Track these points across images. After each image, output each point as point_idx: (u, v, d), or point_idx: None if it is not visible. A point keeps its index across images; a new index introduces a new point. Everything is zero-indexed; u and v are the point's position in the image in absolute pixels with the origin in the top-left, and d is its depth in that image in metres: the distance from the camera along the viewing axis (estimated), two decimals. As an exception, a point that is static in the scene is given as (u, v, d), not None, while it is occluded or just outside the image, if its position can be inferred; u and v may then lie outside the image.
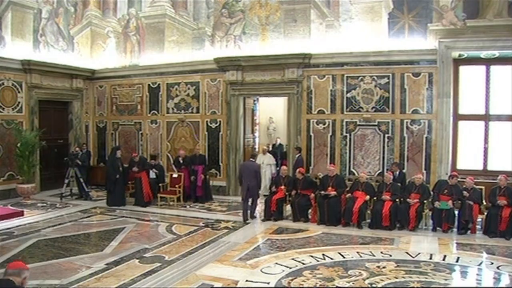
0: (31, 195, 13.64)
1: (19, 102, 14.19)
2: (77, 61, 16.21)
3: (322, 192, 10.74)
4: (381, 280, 6.79)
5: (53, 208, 12.60)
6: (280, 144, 17.02)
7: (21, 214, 11.31)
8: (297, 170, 11.43)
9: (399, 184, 10.81)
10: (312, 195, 10.86)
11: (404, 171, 12.02)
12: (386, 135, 12.47)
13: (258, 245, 8.95)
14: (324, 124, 13.12)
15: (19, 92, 14.18)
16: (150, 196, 13.00)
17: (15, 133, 13.65)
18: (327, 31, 13.03)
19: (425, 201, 10.24)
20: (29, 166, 13.62)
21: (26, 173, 13.59)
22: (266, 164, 14.26)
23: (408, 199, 10.18)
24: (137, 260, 7.85)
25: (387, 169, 12.07)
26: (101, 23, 16.41)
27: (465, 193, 9.97)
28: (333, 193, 10.58)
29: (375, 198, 10.61)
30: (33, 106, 14.60)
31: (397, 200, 10.32)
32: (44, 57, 14.83)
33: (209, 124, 14.69)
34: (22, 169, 13.55)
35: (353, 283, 6.67)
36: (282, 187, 11.29)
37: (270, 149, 16.48)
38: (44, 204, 13.09)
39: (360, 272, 7.14)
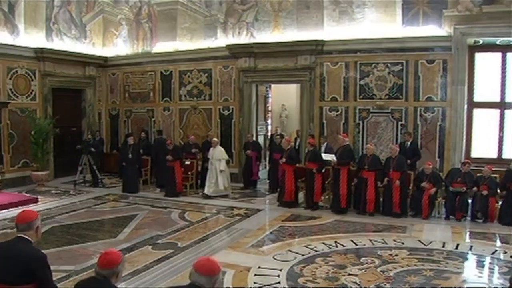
0: (45, 182, 13.76)
1: (32, 90, 14.29)
2: (90, 48, 16.24)
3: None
4: (394, 267, 6.80)
5: (66, 195, 12.72)
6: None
7: (35, 201, 11.58)
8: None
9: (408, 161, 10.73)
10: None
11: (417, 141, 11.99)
12: (400, 123, 12.37)
13: (271, 232, 8.98)
14: (337, 112, 13.06)
15: (32, 80, 14.27)
16: (182, 186, 12.76)
17: (29, 120, 13.75)
18: (340, 18, 12.90)
19: (438, 190, 10.19)
20: (43, 153, 13.73)
21: (40, 160, 13.71)
22: (216, 159, 12.53)
23: (422, 184, 10.09)
24: (150, 247, 7.93)
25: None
26: (113, 11, 16.40)
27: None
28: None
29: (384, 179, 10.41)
30: (47, 94, 14.69)
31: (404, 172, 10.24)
32: (57, 45, 14.88)
33: (221, 111, 14.69)
34: (36, 156, 13.67)
35: (365, 271, 6.69)
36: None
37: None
38: (58, 191, 13.22)
39: (372, 260, 7.15)
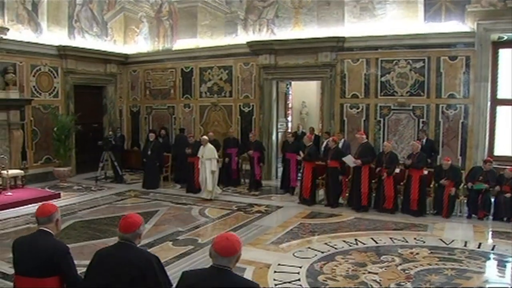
0: (67, 178, 13.97)
1: (55, 87, 14.50)
2: (111, 46, 16.42)
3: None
4: (414, 266, 6.76)
5: (88, 190, 12.87)
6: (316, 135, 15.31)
7: (57, 196, 11.74)
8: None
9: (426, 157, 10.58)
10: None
11: (431, 138, 11.88)
12: (421, 120, 12.25)
13: (291, 229, 8.95)
14: (357, 109, 12.99)
15: (55, 77, 14.47)
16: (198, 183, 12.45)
17: (52, 117, 13.97)
18: (361, 14, 12.81)
19: (459, 187, 10.06)
20: (65, 149, 13.93)
21: (62, 157, 13.91)
22: (206, 158, 11.76)
23: (441, 181, 9.96)
24: (171, 243, 7.99)
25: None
26: (134, 8, 16.53)
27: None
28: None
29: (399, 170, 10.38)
30: (69, 91, 14.89)
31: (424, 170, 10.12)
32: (79, 43, 15.07)
33: (242, 108, 14.71)
34: (59, 152, 13.87)
35: (385, 269, 6.65)
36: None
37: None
38: (80, 187, 13.39)
39: (393, 258, 7.11)
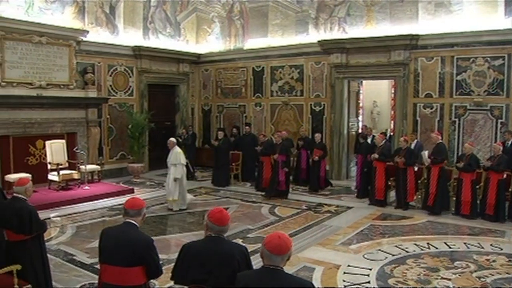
0: (140, 174, 14.49)
1: (130, 86, 15.11)
2: (184, 46, 16.86)
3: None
4: (491, 274, 6.53)
5: (160, 186, 13.26)
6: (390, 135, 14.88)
7: (131, 191, 12.25)
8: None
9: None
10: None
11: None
12: (499, 121, 11.74)
13: (361, 230, 8.89)
14: (431, 108, 12.64)
15: (130, 76, 15.09)
16: (268, 182, 12.44)
17: (127, 115, 14.59)
18: (436, 10, 12.45)
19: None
20: (139, 146, 14.48)
21: (136, 153, 14.48)
22: (171, 164, 10.53)
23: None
24: (241, 240, 8.05)
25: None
26: (206, 9, 16.89)
27: None
28: None
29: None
30: (143, 89, 15.48)
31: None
32: (153, 43, 15.62)
33: (313, 107, 14.68)
34: (133, 149, 14.45)
35: (459, 275, 6.48)
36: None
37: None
38: (152, 183, 13.87)
39: (467, 264, 6.90)
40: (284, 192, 11.94)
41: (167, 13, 16.23)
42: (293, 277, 3.27)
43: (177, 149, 10.50)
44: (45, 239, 5.67)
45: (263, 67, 15.69)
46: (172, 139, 11.03)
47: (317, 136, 12.94)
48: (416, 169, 10.71)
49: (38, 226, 5.20)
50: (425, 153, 10.44)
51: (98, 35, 13.85)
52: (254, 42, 15.78)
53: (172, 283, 4.25)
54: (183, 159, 10.48)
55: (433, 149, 10.50)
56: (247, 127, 14.94)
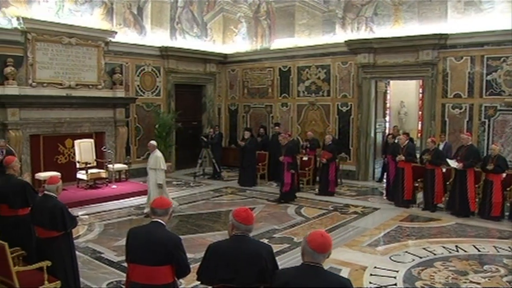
0: (167, 173, 14.56)
1: (157, 86, 15.28)
2: (210, 46, 16.95)
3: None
4: (522, 278, 6.40)
5: (187, 186, 13.43)
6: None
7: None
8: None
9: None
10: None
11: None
12: (532, 122, 11.53)
13: (388, 232, 8.82)
14: (460, 109, 12.44)
15: (157, 76, 15.25)
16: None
17: (154, 115, 14.76)
18: (465, 9, 12.24)
19: None
20: (166, 146, 14.61)
21: (163, 153, 14.47)
22: (150, 168, 9.87)
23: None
24: (267, 240, 8.05)
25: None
26: (233, 9, 16.96)
27: None
28: None
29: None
30: (170, 89, 15.64)
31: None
32: (180, 44, 15.77)
33: (339, 107, 14.60)
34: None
35: (489, 279, 6.37)
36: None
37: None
38: (179, 182, 13.99)
39: (497, 268, 6.78)
40: (289, 194, 11.49)
41: (194, 14, 16.34)
42: (333, 274, 3.31)
43: (157, 153, 9.93)
44: (73, 236, 5.77)
45: (289, 67, 15.66)
46: (152, 142, 10.46)
47: (328, 137, 12.63)
48: (444, 170, 10.54)
49: (71, 222, 5.32)
50: (452, 162, 10.23)
51: (126, 35, 14.04)
52: (281, 42, 15.76)
53: (197, 282, 4.27)
54: (163, 164, 9.87)
55: (465, 151, 10.12)
56: (276, 127, 14.91)
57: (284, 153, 11.58)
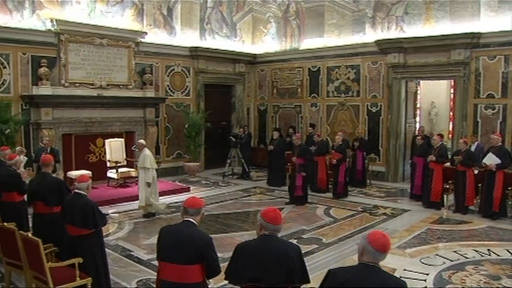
0: (196, 172, 14.77)
1: (187, 86, 15.42)
2: (240, 46, 17.03)
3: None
4: (556, 283, 6.24)
5: (215, 186, 13.50)
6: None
7: (187, 190, 12.53)
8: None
9: None
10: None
11: None
12: None
13: (418, 234, 8.69)
14: (493, 110, 12.20)
15: (187, 77, 15.38)
16: (324, 183, 12.57)
17: (184, 115, 14.92)
18: (499, 7, 11.98)
19: None
20: (195, 145, 14.76)
21: (192, 152, 14.78)
22: (140, 167, 9.83)
23: None
24: (295, 240, 8.05)
25: None
26: (262, 9, 16.98)
27: None
28: None
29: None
30: (199, 89, 15.76)
31: None
32: (209, 44, 15.88)
33: (369, 108, 14.48)
34: (189, 148, 14.77)
35: (522, 284, 6.22)
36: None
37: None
38: (208, 182, 14.07)
39: (531, 273, 6.62)
40: (300, 198, 11.23)
41: (223, 14, 16.43)
42: (391, 275, 3.31)
43: (146, 152, 9.77)
44: (103, 234, 5.86)
45: (319, 67, 15.60)
46: (141, 140, 10.46)
47: (338, 137, 12.33)
48: (476, 172, 10.35)
49: (101, 220, 5.42)
50: (491, 157, 9.92)
51: (156, 36, 14.20)
52: (310, 42, 15.72)
53: (225, 282, 4.29)
54: (150, 163, 9.67)
55: (495, 152, 9.89)
56: (310, 128, 14.84)
57: (297, 154, 11.32)
